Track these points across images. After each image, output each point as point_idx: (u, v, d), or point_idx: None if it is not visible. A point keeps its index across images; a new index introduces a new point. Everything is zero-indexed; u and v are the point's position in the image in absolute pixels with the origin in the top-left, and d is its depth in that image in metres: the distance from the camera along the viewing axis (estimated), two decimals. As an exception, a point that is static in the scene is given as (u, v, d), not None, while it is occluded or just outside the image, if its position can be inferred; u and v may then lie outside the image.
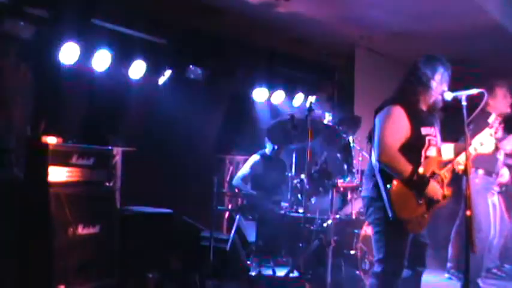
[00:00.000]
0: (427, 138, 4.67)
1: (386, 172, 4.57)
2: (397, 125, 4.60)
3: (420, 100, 4.75)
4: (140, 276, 6.42)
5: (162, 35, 7.95)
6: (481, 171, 6.82)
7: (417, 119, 4.64)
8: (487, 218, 6.77)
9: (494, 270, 7.81)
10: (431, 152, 4.69)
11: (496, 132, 4.90)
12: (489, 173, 6.86)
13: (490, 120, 5.01)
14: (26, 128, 6.46)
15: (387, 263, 4.62)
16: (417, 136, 4.62)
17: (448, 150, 4.98)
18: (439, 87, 4.70)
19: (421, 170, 4.55)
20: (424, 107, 4.77)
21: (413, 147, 4.61)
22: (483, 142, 4.90)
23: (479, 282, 6.77)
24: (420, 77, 4.71)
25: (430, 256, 5.01)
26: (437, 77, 4.70)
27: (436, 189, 4.61)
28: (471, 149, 4.85)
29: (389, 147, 4.54)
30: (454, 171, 4.78)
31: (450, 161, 4.84)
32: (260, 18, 8.22)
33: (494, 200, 6.95)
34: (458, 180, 4.84)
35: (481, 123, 5.11)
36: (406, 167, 4.50)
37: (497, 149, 6.61)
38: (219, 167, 9.19)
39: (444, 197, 4.70)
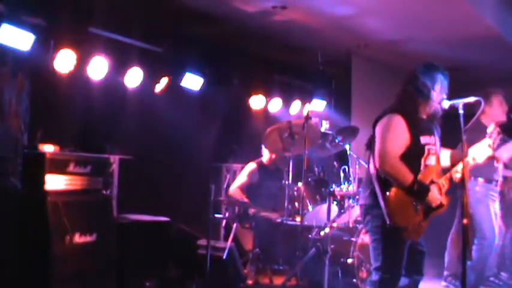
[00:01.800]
0: (427, 147, 4.67)
1: (384, 180, 4.57)
2: (398, 134, 4.61)
3: (420, 109, 4.75)
4: (137, 284, 6.41)
5: (159, 43, 7.95)
6: (481, 179, 6.78)
7: (417, 128, 4.65)
8: (490, 225, 6.73)
9: (492, 279, 7.79)
10: (431, 160, 4.70)
11: (494, 143, 4.89)
12: (489, 180, 6.83)
13: (489, 130, 4.99)
14: (22, 137, 6.45)
15: (385, 271, 4.62)
16: (416, 145, 4.63)
17: (444, 157, 4.98)
18: (439, 96, 4.71)
19: (419, 178, 4.57)
20: (423, 115, 4.78)
21: (413, 156, 4.62)
22: (480, 152, 4.89)
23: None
24: (420, 88, 4.70)
25: (427, 264, 5.00)
26: (437, 87, 4.71)
27: (436, 196, 4.62)
28: (470, 159, 4.85)
29: (391, 156, 4.55)
30: (452, 180, 4.77)
31: (448, 169, 4.83)
32: (257, 26, 8.23)
33: (496, 207, 6.92)
34: (456, 187, 4.82)
35: (475, 134, 5.09)
36: (408, 176, 4.51)
37: (493, 157, 6.63)
38: (216, 175, 9.17)
39: (442, 205, 4.70)
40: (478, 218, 6.59)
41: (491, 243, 6.74)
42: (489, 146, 4.89)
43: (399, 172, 4.53)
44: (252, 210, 7.56)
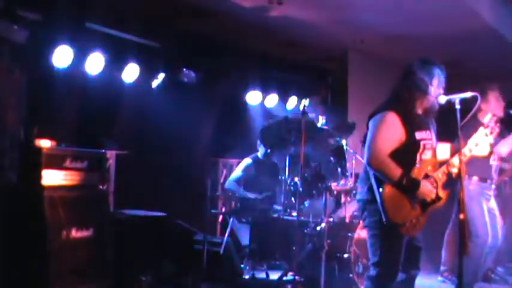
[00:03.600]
0: (422, 142, 4.67)
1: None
2: (390, 131, 4.61)
3: (416, 105, 4.75)
4: (134, 279, 6.41)
5: (156, 38, 7.95)
6: (475, 178, 6.75)
7: (412, 124, 4.65)
8: (483, 223, 6.71)
9: (488, 273, 7.80)
10: (427, 155, 4.70)
11: (491, 132, 4.88)
12: (484, 179, 6.80)
13: (485, 120, 4.99)
14: (19, 132, 6.44)
15: (382, 267, 4.63)
16: (412, 141, 4.63)
17: (444, 150, 4.97)
18: (436, 91, 4.71)
19: (413, 172, 4.58)
20: (419, 111, 4.78)
21: (408, 152, 4.62)
22: (478, 143, 4.88)
23: (475, 287, 6.76)
24: (418, 83, 4.70)
25: (423, 259, 5.01)
26: (435, 81, 4.71)
27: (428, 190, 4.61)
28: (466, 150, 4.84)
29: (379, 152, 4.56)
30: (449, 174, 4.77)
31: (446, 161, 4.83)
32: (253, 21, 8.21)
33: (491, 205, 6.87)
34: (452, 183, 4.82)
35: (470, 131, 5.08)
36: (395, 171, 4.52)
37: (490, 153, 6.61)
38: (212, 170, 9.18)
39: (439, 198, 4.70)
40: (471, 216, 6.53)
41: (485, 240, 6.71)
42: (486, 135, 4.87)
43: (387, 167, 4.54)
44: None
